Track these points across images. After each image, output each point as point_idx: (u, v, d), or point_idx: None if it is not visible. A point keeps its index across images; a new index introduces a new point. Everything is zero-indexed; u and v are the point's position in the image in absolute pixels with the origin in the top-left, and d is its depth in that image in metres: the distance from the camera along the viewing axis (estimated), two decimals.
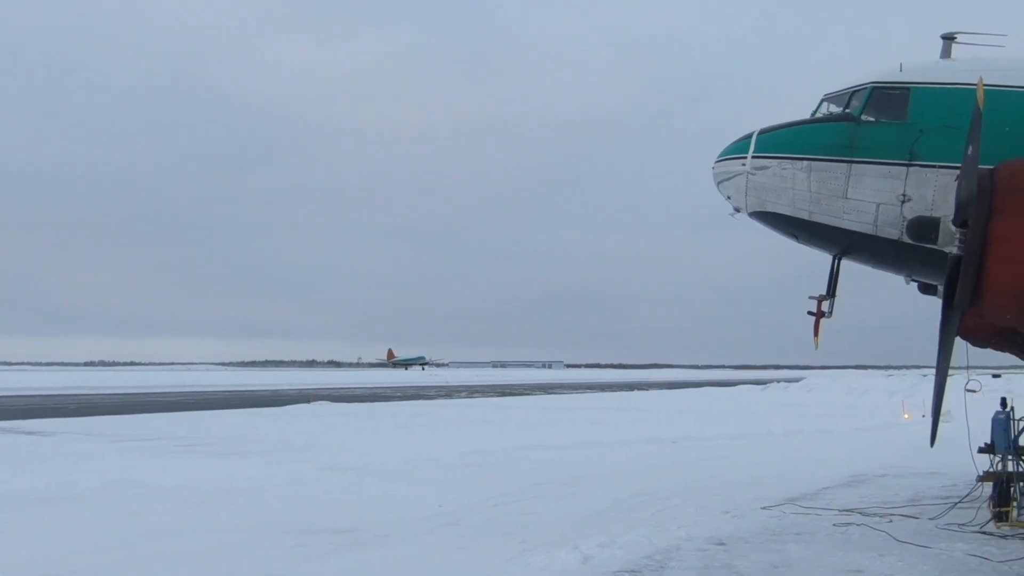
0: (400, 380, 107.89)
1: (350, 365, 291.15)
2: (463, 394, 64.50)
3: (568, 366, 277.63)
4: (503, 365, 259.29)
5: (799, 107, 13.30)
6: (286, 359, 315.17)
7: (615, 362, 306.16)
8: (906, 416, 33.78)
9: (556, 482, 16.18)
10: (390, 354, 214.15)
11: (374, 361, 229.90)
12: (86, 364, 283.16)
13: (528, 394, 65.31)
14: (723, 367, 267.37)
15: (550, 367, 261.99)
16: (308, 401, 47.23)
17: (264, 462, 19.29)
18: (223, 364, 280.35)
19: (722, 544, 10.67)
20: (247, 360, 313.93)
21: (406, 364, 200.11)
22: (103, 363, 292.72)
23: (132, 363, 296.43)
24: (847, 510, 12.98)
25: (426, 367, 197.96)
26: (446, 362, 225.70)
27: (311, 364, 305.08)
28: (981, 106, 9.49)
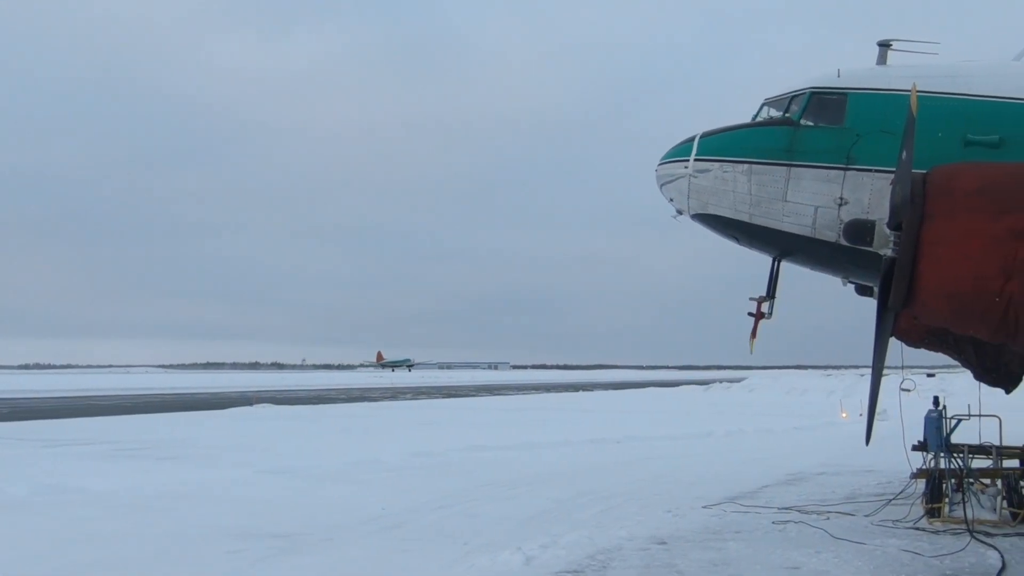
0: (346, 382, 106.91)
1: (294, 367, 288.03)
2: (408, 396, 64.18)
3: (514, 367, 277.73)
4: (449, 366, 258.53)
5: (740, 110, 13.48)
6: (228, 361, 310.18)
7: (561, 363, 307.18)
8: (844, 415, 34.43)
9: (500, 483, 16.17)
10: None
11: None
12: (20, 367, 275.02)
13: (474, 395, 65.21)
14: (667, 368, 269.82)
15: (496, 368, 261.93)
16: (250, 404, 46.52)
17: (204, 466, 18.96)
18: (163, 366, 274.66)
19: (663, 543, 10.75)
20: (188, 362, 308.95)
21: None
22: (38, 366, 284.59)
23: (68, 366, 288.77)
24: (786, 508, 13.18)
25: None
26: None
27: (254, 366, 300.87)
28: (915, 112, 9.70)
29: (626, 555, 10.13)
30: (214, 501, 14.39)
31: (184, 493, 15.13)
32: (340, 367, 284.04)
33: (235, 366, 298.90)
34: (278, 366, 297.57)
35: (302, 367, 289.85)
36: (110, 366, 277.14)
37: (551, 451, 22.32)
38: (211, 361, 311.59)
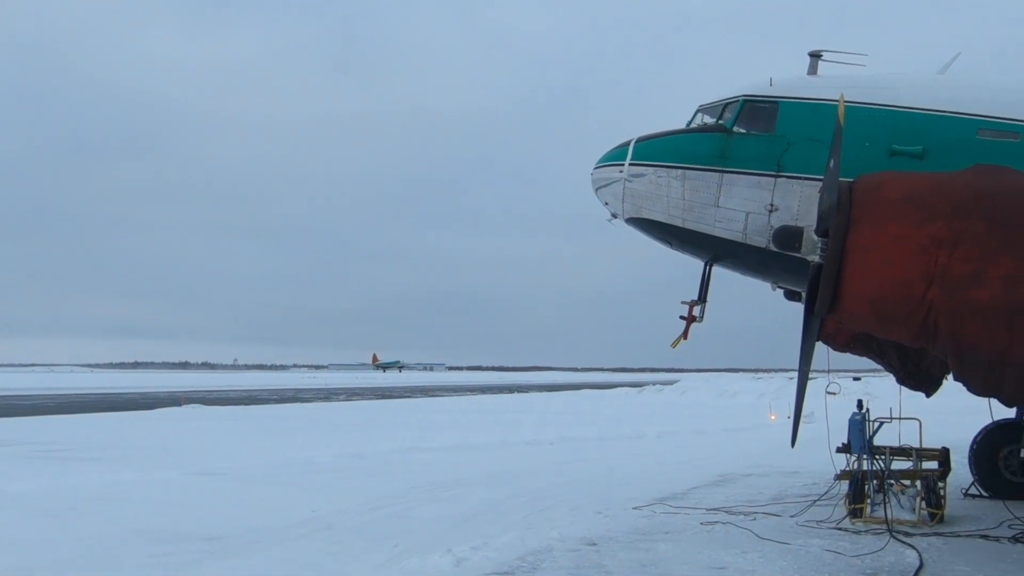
0: (278, 383, 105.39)
1: (225, 367, 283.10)
2: (342, 397, 63.56)
3: (450, 368, 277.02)
4: (384, 367, 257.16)
5: (675, 116, 13.64)
6: (157, 360, 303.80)
7: (496, 364, 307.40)
8: (772, 417, 35.07)
9: (432, 485, 16.09)
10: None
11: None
12: None
13: (408, 396, 64.89)
14: (601, 370, 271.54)
15: (431, 369, 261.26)
16: (178, 404, 45.56)
17: (129, 467, 18.50)
18: (88, 365, 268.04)
19: (593, 544, 10.81)
20: (115, 361, 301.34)
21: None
22: None
23: None
24: (714, 509, 13.37)
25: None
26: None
27: (184, 366, 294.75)
28: (842, 121, 9.93)
29: (556, 556, 10.16)
30: (138, 503, 14.06)
31: (107, 495, 14.75)
32: (273, 367, 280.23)
33: (164, 366, 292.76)
34: (209, 366, 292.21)
35: (234, 367, 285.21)
36: (33, 365, 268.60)
37: (485, 453, 22.30)
38: (139, 360, 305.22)
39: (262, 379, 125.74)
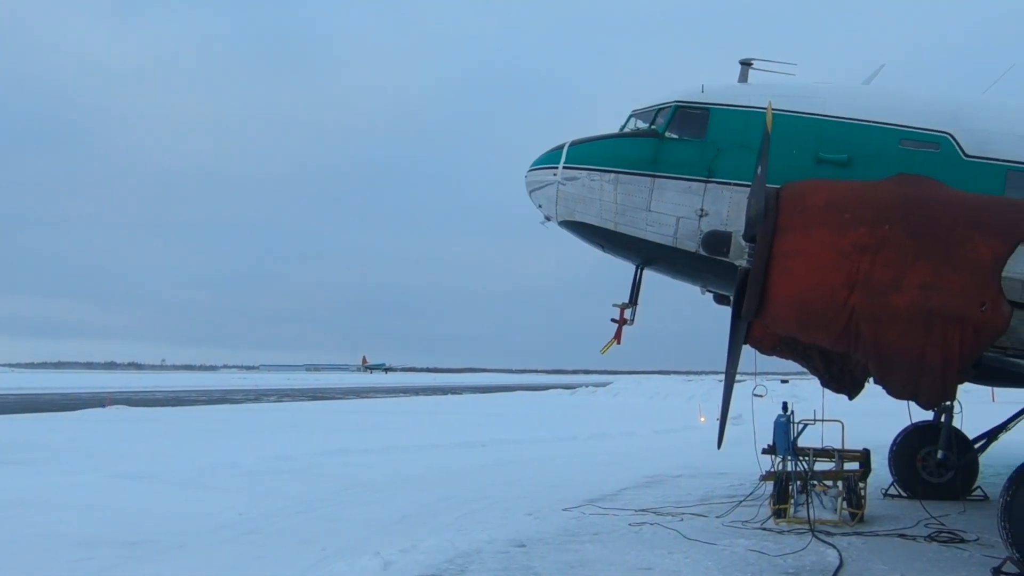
0: (207, 384, 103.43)
1: (153, 367, 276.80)
2: (272, 398, 62.57)
3: (387, 370, 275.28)
4: (317, 368, 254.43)
5: (607, 118, 13.75)
6: (81, 360, 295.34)
7: (431, 366, 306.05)
8: (702, 419, 35.55)
9: (361, 487, 15.94)
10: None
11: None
12: None
13: (341, 398, 64.16)
14: (536, 372, 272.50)
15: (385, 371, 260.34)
16: (103, 405, 44.34)
17: (49, 471, 17.96)
18: (7, 365, 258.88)
19: (522, 546, 10.81)
20: (36, 361, 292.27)
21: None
22: None
23: None
24: (642, 510, 13.49)
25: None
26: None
27: (109, 366, 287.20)
28: (770, 128, 10.12)
29: (485, 558, 10.14)
30: (59, 508, 13.62)
31: (26, 500, 14.28)
32: (202, 368, 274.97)
33: (89, 366, 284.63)
34: (136, 366, 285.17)
35: (162, 367, 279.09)
36: None
37: (417, 455, 22.17)
38: (62, 360, 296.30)
39: (191, 380, 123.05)
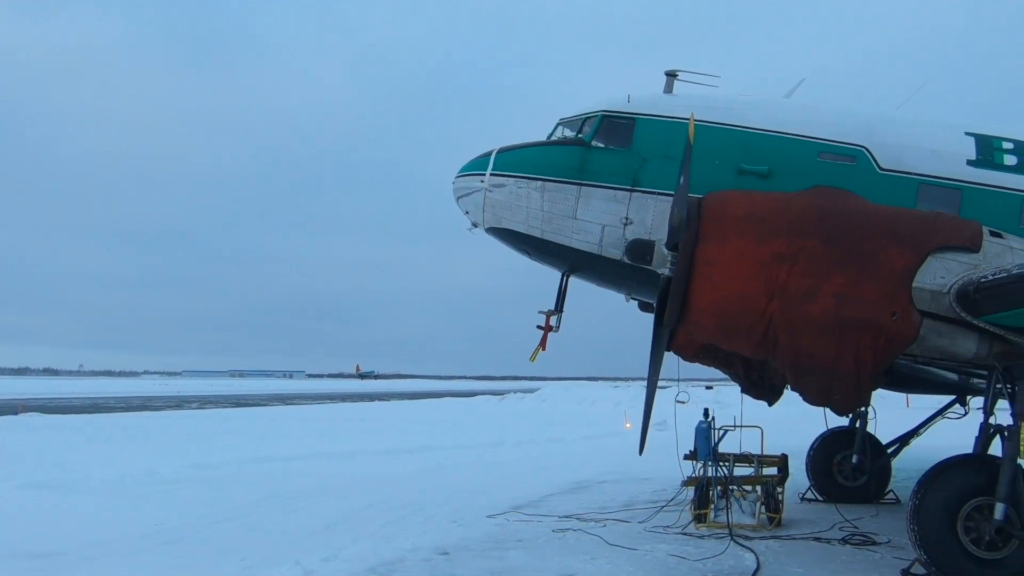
0: (126, 390, 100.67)
1: (70, 373, 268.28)
2: (194, 405, 61.22)
3: (310, 376, 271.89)
4: (241, 375, 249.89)
5: (534, 124, 13.81)
6: None
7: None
8: (628, 425, 35.89)
9: (284, 495, 15.69)
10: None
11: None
12: None
13: (266, 405, 63.06)
14: (464, 378, 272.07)
15: (291, 377, 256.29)
16: (15, 412, 42.80)
17: None
18: None
19: (446, 553, 10.78)
20: None
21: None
22: None
23: None
24: (567, 516, 13.56)
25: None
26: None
27: (22, 372, 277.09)
28: (692, 139, 10.28)
29: (408, 566, 10.08)
30: None
31: None
32: (122, 374, 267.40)
33: (0, 371, 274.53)
34: (51, 372, 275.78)
35: (79, 373, 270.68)
36: None
37: (342, 462, 21.92)
38: None
39: (110, 386, 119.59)
